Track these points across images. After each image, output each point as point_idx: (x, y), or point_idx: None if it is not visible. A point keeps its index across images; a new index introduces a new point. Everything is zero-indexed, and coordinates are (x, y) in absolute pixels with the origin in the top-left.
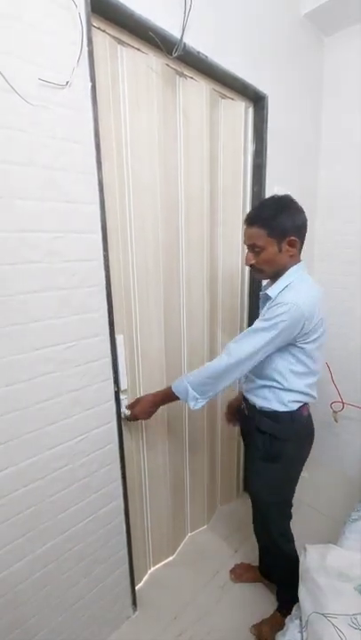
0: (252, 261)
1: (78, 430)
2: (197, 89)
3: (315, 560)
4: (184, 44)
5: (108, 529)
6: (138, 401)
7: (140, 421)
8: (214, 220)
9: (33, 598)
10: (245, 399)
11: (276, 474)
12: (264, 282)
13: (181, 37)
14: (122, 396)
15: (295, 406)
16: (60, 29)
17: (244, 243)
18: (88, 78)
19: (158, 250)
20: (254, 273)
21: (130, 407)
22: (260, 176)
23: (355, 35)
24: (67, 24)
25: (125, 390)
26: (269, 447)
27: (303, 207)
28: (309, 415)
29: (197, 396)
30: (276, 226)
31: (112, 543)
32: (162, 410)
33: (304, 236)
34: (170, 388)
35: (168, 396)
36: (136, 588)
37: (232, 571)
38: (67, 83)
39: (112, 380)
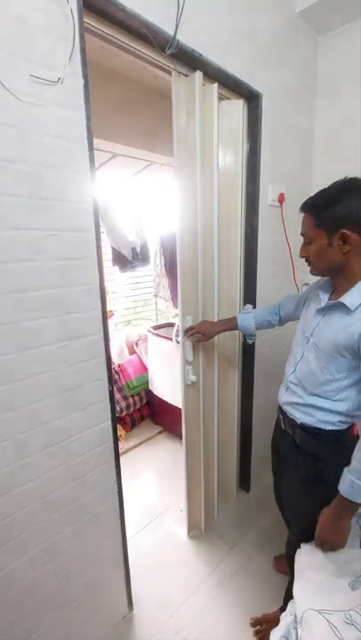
0: (304, 253)
1: (73, 430)
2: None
3: (309, 557)
4: (177, 41)
5: (103, 528)
6: (320, 520)
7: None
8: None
9: (28, 599)
10: (283, 411)
11: (319, 498)
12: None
13: (175, 34)
14: (188, 367)
15: (344, 426)
16: (51, 25)
17: (300, 232)
18: (80, 75)
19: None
20: (309, 266)
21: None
22: (254, 174)
23: (348, 33)
24: (58, 19)
25: (191, 362)
26: (312, 468)
27: (296, 207)
28: (358, 435)
29: None
30: (327, 216)
31: (107, 542)
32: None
33: None
34: (341, 496)
35: (345, 506)
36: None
37: (276, 559)
38: (59, 79)
39: (106, 380)
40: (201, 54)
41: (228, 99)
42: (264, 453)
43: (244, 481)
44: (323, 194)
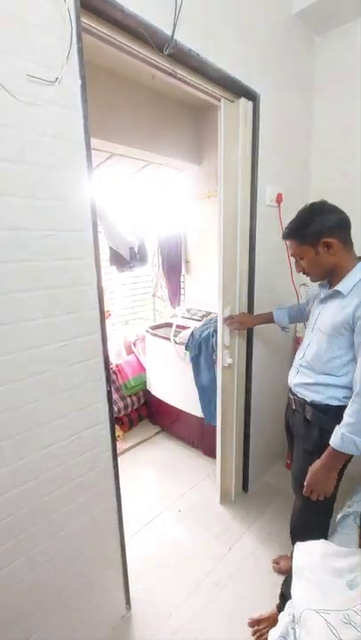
0: (300, 269)
1: (71, 430)
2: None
3: (307, 556)
4: (175, 41)
5: (101, 529)
6: (310, 470)
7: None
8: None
9: (27, 599)
10: (294, 393)
11: None
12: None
13: (172, 34)
14: (225, 350)
15: (348, 401)
16: (48, 25)
17: (290, 254)
18: (78, 75)
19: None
20: (310, 278)
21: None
22: (253, 174)
23: (345, 34)
24: (55, 19)
25: (228, 346)
26: (319, 440)
27: (295, 207)
28: None
29: None
30: (306, 234)
31: (105, 542)
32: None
33: (345, 233)
34: (333, 450)
35: (335, 458)
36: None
37: (275, 561)
38: (56, 79)
39: (104, 380)
40: (198, 54)
41: (231, 101)
42: (263, 453)
43: (243, 481)
44: (296, 221)
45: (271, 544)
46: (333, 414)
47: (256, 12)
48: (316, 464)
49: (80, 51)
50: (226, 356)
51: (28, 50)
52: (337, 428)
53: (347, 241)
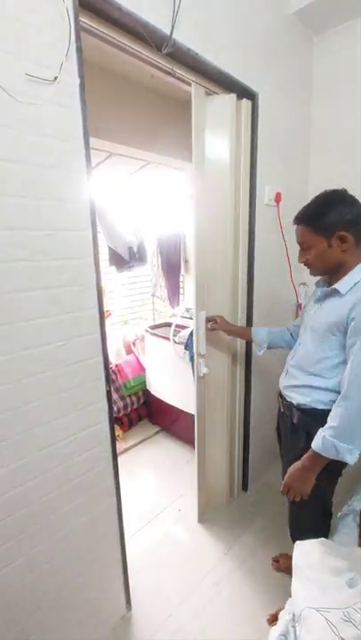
0: (303, 259)
1: (70, 430)
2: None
3: (307, 555)
4: (174, 40)
5: (101, 529)
6: (290, 470)
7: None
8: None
9: (27, 600)
10: (282, 396)
11: None
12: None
13: (171, 33)
14: (200, 359)
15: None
16: (47, 24)
17: (296, 241)
18: (77, 74)
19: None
20: (309, 270)
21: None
22: (251, 174)
23: (343, 34)
24: (54, 18)
25: (204, 355)
26: (305, 446)
27: (293, 206)
28: None
29: (350, 447)
30: (322, 223)
31: (105, 542)
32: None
33: (360, 229)
34: (313, 452)
35: (314, 460)
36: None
37: (275, 559)
38: (55, 79)
39: (103, 380)
40: (197, 53)
41: (240, 100)
42: (262, 453)
43: (243, 480)
44: (313, 206)
45: (271, 543)
46: (320, 418)
47: (254, 11)
48: (296, 465)
49: (79, 50)
50: (201, 365)
51: (27, 49)
52: (320, 430)
53: (359, 238)
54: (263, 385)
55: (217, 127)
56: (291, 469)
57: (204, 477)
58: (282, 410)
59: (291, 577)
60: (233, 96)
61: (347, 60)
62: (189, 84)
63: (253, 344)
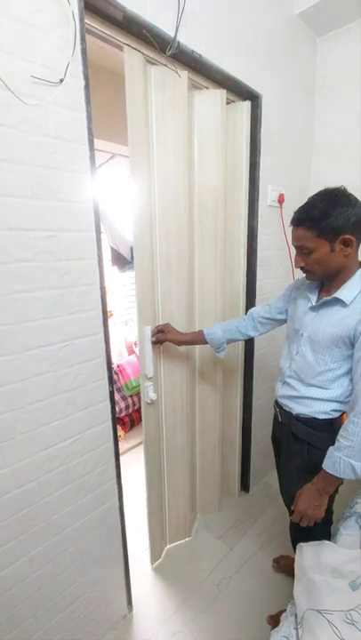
0: (302, 264)
1: (72, 431)
2: (211, 97)
3: (309, 558)
4: (178, 42)
5: (103, 529)
6: (300, 495)
7: (161, 406)
8: (221, 215)
9: (28, 600)
10: (279, 405)
11: None
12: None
13: (175, 35)
14: (148, 383)
15: (336, 414)
16: (52, 26)
17: (292, 244)
18: (82, 76)
19: (181, 245)
20: (305, 274)
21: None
22: (253, 175)
23: (347, 35)
24: (59, 20)
25: (152, 377)
26: (306, 456)
27: (296, 207)
28: None
29: None
30: (327, 225)
31: (107, 543)
32: (180, 390)
33: None
34: (326, 473)
35: (329, 482)
36: (153, 565)
37: (276, 560)
38: (60, 81)
39: (107, 380)
40: (201, 55)
41: (233, 102)
42: (264, 453)
43: (244, 481)
44: (314, 206)
45: (272, 544)
46: (321, 429)
47: (259, 12)
48: (308, 489)
49: (84, 52)
50: (149, 390)
51: (33, 51)
52: (331, 450)
53: (359, 242)
54: (265, 385)
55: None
56: (302, 496)
57: (161, 509)
58: (280, 419)
59: (291, 578)
60: (223, 92)
61: (350, 60)
62: (121, 49)
63: (211, 347)
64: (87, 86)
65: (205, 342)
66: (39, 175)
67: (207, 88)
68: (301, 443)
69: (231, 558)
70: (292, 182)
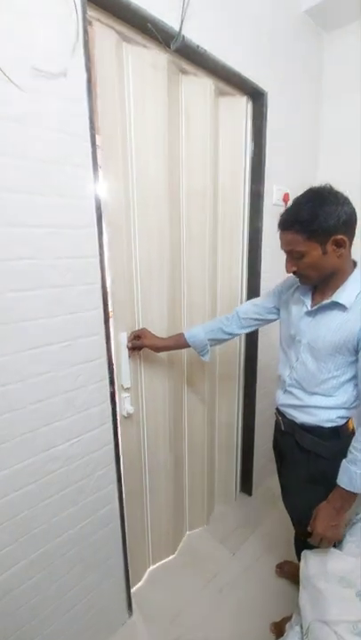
0: (293, 269)
1: (73, 432)
2: (201, 87)
3: (316, 566)
4: (183, 36)
5: (103, 532)
6: (317, 515)
7: (141, 419)
8: (215, 215)
9: (27, 604)
10: (282, 413)
11: (319, 496)
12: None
13: (180, 30)
14: (125, 394)
15: (342, 421)
16: (54, 17)
17: (281, 248)
18: (84, 69)
19: (162, 245)
20: (299, 279)
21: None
22: (258, 174)
23: (355, 31)
24: (62, 12)
25: (129, 388)
26: (313, 467)
27: None
28: (353, 429)
29: None
30: (317, 227)
31: (107, 547)
32: (162, 401)
33: (353, 230)
34: (341, 489)
35: (346, 499)
36: (134, 588)
37: (279, 566)
38: (62, 73)
39: (108, 381)
40: (206, 50)
41: (233, 96)
42: (268, 454)
43: (247, 485)
44: (303, 207)
45: (276, 549)
46: (327, 437)
47: (265, 8)
48: (324, 509)
49: (86, 44)
50: (125, 402)
51: (35, 43)
52: (346, 464)
53: (352, 240)
54: (271, 385)
55: (227, 127)
56: (320, 517)
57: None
58: (283, 428)
59: (295, 584)
60: (211, 81)
61: (358, 57)
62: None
63: (195, 351)
64: (90, 79)
65: (187, 346)
66: (40, 170)
67: (195, 75)
68: (307, 452)
69: (234, 563)
70: (298, 181)
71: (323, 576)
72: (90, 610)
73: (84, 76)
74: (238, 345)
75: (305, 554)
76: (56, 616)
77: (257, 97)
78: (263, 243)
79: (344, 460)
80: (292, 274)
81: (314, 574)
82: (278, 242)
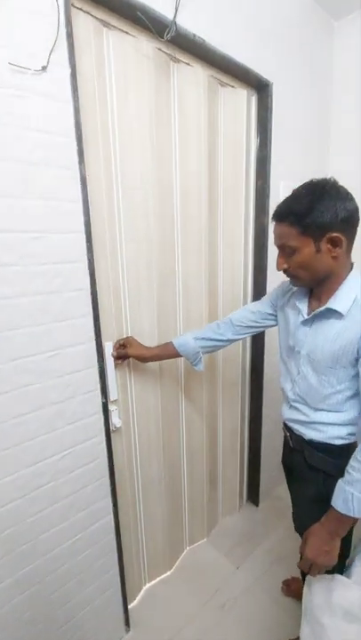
0: (284, 265)
1: (62, 445)
2: (194, 76)
3: (319, 595)
4: (177, 25)
5: (97, 547)
6: (308, 538)
7: (131, 432)
8: (214, 216)
9: (14, 624)
10: (289, 428)
11: None
12: (281, 288)
13: (174, 18)
14: (112, 407)
15: (353, 438)
16: (33, 8)
17: (274, 243)
18: (67, 64)
19: (151, 249)
20: (290, 279)
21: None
22: (264, 170)
23: None
24: (42, 2)
25: (116, 401)
26: (322, 486)
27: None
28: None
29: None
30: (312, 221)
31: (102, 562)
32: (155, 414)
33: (354, 230)
34: (335, 512)
35: (342, 522)
36: (130, 605)
37: (286, 583)
38: (43, 68)
39: (99, 391)
40: (204, 40)
41: (234, 87)
42: (277, 462)
43: (253, 495)
44: (299, 198)
45: (283, 564)
46: (338, 455)
47: None
48: (317, 532)
49: (70, 36)
50: (113, 415)
51: (11, 36)
52: (342, 484)
53: (352, 241)
54: (276, 392)
55: (228, 120)
56: (312, 541)
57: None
58: (291, 444)
59: (301, 602)
60: (206, 69)
61: None
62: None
63: (187, 360)
64: (74, 74)
65: (177, 355)
66: (22, 172)
67: (189, 64)
68: (317, 472)
69: (238, 578)
70: (307, 176)
71: (327, 608)
72: (85, 625)
73: (68, 70)
74: (242, 347)
75: (309, 580)
76: (48, 633)
77: (261, 88)
78: (270, 242)
79: (340, 480)
80: (283, 273)
81: (318, 605)
82: None
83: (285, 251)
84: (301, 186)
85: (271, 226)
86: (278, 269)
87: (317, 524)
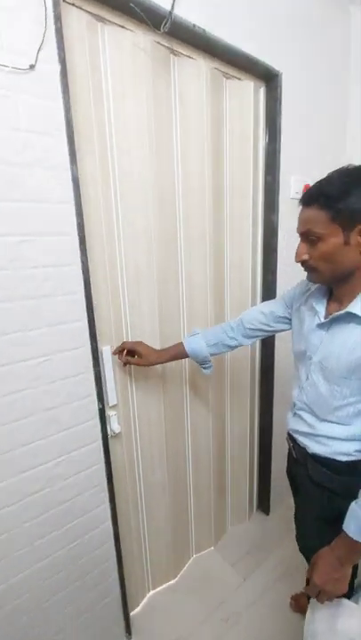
0: (305, 256)
1: (56, 452)
2: (196, 69)
3: (323, 621)
4: (174, 16)
5: (95, 554)
6: (316, 562)
7: (132, 437)
8: (220, 214)
9: (11, 628)
10: (293, 439)
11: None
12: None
13: (171, 9)
14: (111, 413)
15: (360, 455)
16: (20, 5)
17: (297, 230)
18: (57, 61)
19: (151, 250)
20: (308, 273)
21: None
22: (273, 164)
23: None
24: None
25: (115, 406)
26: (327, 504)
27: None
28: None
29: None
30: (345, 207)
31: (101, 569)
32: (158, 419)
33: None
34: (347, 537)
35: (353, 549)
36: (132, 613)
37: (295, 598)
38: (30, 66)
39: (95, 397)
40: (204, 30)
41: (240, 79)
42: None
43: (264, 503)
44: (333, 181)
45: (293, 577)
46: (343, 472)
47: None
48: (326, 557)
49: (59, 32)
50: (112, 420)
51: None
52: (355, 508)
53: None
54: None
55: (233, 113)
56: (318, 565)
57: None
58: (294, 455)
59: None
60: (208, 62)
61: None
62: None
63: (196, 363)
64: (64, 72)
65: (185, 355)
66: (9, 174)
67: (190, 57)
68: (322, 489)
69: (245, 590)
70: (320, 172)
71: (330, 635)
72: (84, 633)
73: (57, 68)
74: (251, 347)
75: (313, 604)
76: (47, 636)
77: (270, 79)
78: (280, 238)
79: (353, 503)
80: (302, 265)
81: (321, 632)
82: (298, 239)
83: (309, 238)
84: (337, 169)
85: (281, 224)
86: (297, 260)
87: (327, 548)
